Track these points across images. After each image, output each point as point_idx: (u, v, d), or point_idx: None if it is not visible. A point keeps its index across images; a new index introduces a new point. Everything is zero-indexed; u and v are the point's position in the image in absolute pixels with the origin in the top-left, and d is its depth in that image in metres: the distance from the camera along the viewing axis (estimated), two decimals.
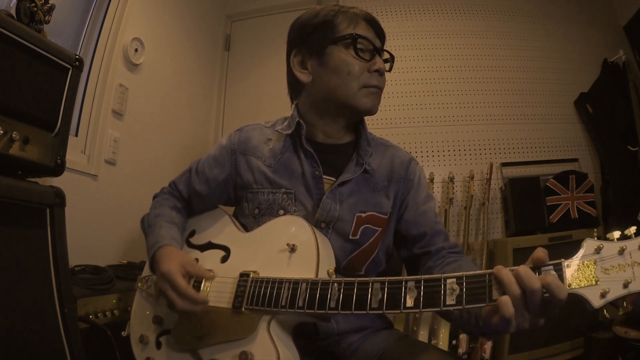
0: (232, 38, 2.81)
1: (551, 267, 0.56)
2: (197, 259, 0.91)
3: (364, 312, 0.64)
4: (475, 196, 2.30)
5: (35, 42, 0.95)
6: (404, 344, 0.87)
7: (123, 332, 0.94)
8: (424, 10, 2.61)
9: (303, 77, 0.92)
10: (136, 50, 1.89)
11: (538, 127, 2.44)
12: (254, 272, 0.79)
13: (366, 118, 0.96)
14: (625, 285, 0.52)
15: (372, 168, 0.93)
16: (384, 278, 0.65)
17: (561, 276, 0.55)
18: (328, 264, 0.78)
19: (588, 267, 0.54)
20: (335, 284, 0.68)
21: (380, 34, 0.93)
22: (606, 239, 0.56)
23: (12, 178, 0.91)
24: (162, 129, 2.13)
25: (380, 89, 0.90)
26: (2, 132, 0.88)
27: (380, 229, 0.91)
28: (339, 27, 0.89)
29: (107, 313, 1.16)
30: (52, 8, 1.16)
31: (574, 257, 0.56)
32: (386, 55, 0.95)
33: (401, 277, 0.64)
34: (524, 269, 0.56)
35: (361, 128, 0.96)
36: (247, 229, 0.93)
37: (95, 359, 1.06)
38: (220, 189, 0.97)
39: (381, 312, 0.63)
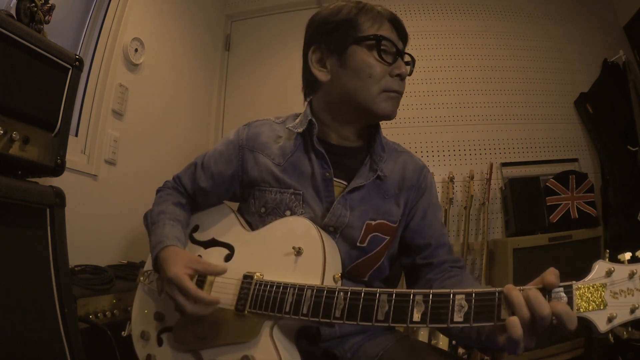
0: (232, 38, 2.80)
1: (562, 289, 0.55)
2: (200, 256, 0.90)
3: (370, 323, 0.63)
4: (475, 196, 2.30)
5: (35, 42, 0.95)
6: (404, 345, 0.87)
7: (123, 332, 0.94)
8: (424, 10, 2.61)
9: (321, 75, 0.89)
10: (136, 50, 1.89)
11: (538, 127, 2.43)
12: (258, 273, 0.78)
13: None
14: (633, 311, 0.51)
15: (385, 174, 0.90)
16: (392, 290, 0.64)
17: (571, 299, 0.54)
18: (334, 269, 0.77)
19: (597, 290, 0.54)
20: (341, 293, 0.67)
21: (403, 36, 0.90)
22: (617, 261, 0.55)
23: (12, 178, 0.91)
24: (162, 129, 2.13)
25: (400, 94, 0.87)
26: (2, 132, 0.88)
27: (388, 238, 0.89)
28: (363, 27, 0.85)
29: (107, 313, 1.16)
30: (52, 8, 1.16)
31: (585, 279, 0.55)
32: (407, 58, 0.91)
33: (409, 290, 0.63)
34: (534, 294, 0.54)
35: (376, 132, 0.93)
36: (252, 226, 0.91)
37: (95, 359, 1.06)
38: (226, 185, 0.95)
39: (387, 324, 0.62)
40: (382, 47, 0.84)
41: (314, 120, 0.89)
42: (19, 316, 0.85)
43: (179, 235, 0.88)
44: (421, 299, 0.61)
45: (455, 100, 2.46)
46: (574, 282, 0.55)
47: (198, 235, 0.96)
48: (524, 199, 2.24)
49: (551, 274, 0.55)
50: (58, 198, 0.99)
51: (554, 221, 2.21)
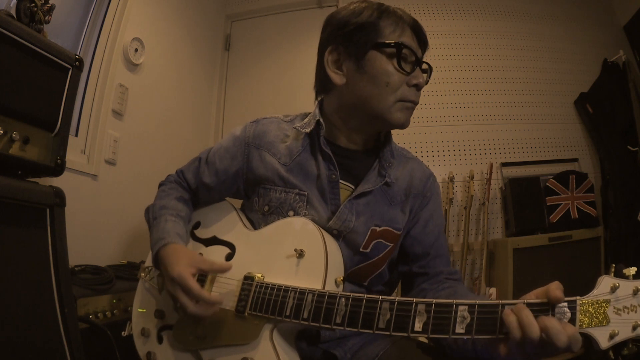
0: (232, 38, 2.80)
1: (566, 304, 0.55)
2: (201, 254, 0.90)
3: (371, 331, 0.63)
4: (475, 196, 2.30)
5: (35, 42, 0.95)
6: (404, 345, 0.86)
7: (123, 332, 0.94)
8: (424, 10, 2.61)
9: (336, 78, 0.86)
10: (136, 50, 1.89)
11: (538, 127, 2.43)
12: (259, 275, 0.78)
13: None
14: (635, 328, 0.51)
15: (393, 181, 0.89)
16: (394, 298, 0.63)
17: (574, 315, 0.54)
18: (336, 272, 0.76)
19: (601, 306, 0.54)
20: (343, 299, 0.66)
21: (423, 44, 0.88)
22: (622, 276, 0.54)
23: (12, 178, 0.91)
24: (162, 129, 2.13)
25: (415, 104, 0.85)
26: (2, 132, 0.88)
27: (391, 245, 0.89)
28: (384, 32, 0.82)
29: (107, 313, 1.16)
30: (52, 8, 1.16)
31: (589, 295, 0.55)
32: (424, 66, 0.89)
33: (412, 299, 0.62)
34: (552, 324, 0.53)
35: (386, 137, 0.92)
36: (254, 225, 0.91)
37: (95, 359, 1.06)
38: (230, 182, 0.94)
39: (388, 333, 0.62)
40: (402, 55, 0.82)
41: (322, 120, 0.88)
42: (19, 316, 0.85)
43: (181, 231, 0.88)
44: (423, 309, 0.60)
45: (455, 100, 2.46)
46: (578, 297, 0.55)
47: (199, 232, 0.95)
48: (524, 199, 2.24)
49: (556, 291, 0.55)
50: (58, 198, 0.99)
51: (554, 221, 2.21)
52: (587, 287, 0.56)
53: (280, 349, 0.72)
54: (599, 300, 0.54)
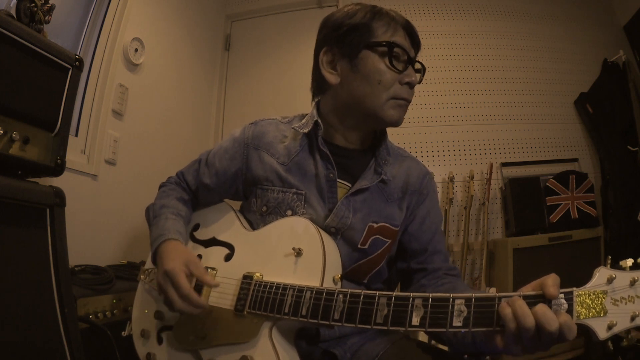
0: (232, 38, 2.81)
1: (562, 295, 0.55)
2: (200, 255, 0.91)
3: (368, 326, 0.63)
4: (475, 196, 2.30)
5: (35, 42, 0.95)
6: (404, 345, 0.86)
7: (123, 332, 0.94)
8: (424, 10, 2.61)
9: (331, 78, 0.88)
10: (136, 50, 1.89)
11: (538, 127, 2.44)
12: (258, 274, 0.78)
13: None
14: (633, 318, 0.51)
15: (389, 178, 0.90)
16: (391, 293, 0.64)
17: (571, 306, 0.54)
18: (334, 270, 0.77)
19: (598, 297, 0.54)
20: (341, 295, 0.67)
21: (416, 44, 0.89)
22: (619, 267, 0.55)
23: (12, 178, 0.91)
24: (162, 129, 2.13)
25: (408, 102, 0.87)
26: (2, 132, 0.88)
27: (389, 241, 0.89)
28: (376, 32, 0.84)
29: (107, 313, 1.16)
30: (52, 8, 1.16)
31: (586, 286, 0.55)
32: (418, 66, 0.91)
33: (408, 294, 0.63)
34: (543, 310, 0.54)
35: (382, 136, 0.94)
36: (252, 225, 0.91)
37: (95, 359, 1.06)
38: (229, 183, 0.95)
39: (385, 328, 0.62)
40: (393, 54, 0.84)
41: (319, 121, 0.89)
42: (19, 316, 0.85)
43: (181, 229, 0.89)
44: (420, 303, 0.61)
45: (455, 100, 2.46)
46: (574, 288, 0.55)
47: (198, 234, 0.96)
48: (524, 199, 2.24)
49: (553, 286, 0.55)
50: (58, 198, 0.99)
51: (554, 221, 2.21)
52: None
53: (279, 346, 0.72)
54: (596, 291, 0.54)
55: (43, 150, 1.00)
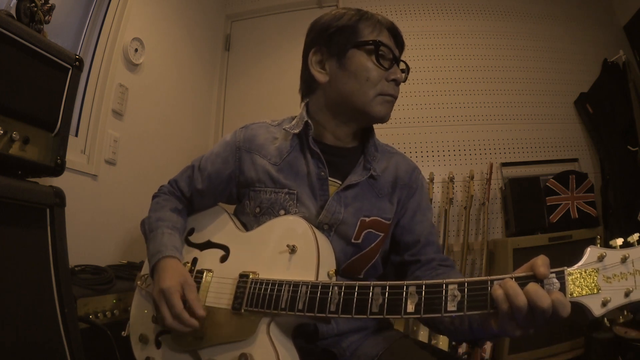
0: (232, 38, 2.81)
1: (554, 275, 0.56)
2: (196, 258, 0.91)
3: (365, 316, 0.64)
4: (475, 196, 2.30)
5: (35, 42, 0.95)
6: (404, 345, 0.87)
7: (123, 332, 0.94)
8: (424, 10, 2.61)
9: (320, 76, 0.92)
10: (136, 50, 1.89)
11: (538, 127, 2.44)
12: (254, 272, 0.79)
13: None
14: (627, 294, 0.52)
15: (378, 174, 0.92)
16: (385, 282, 0.64)
17: (563, 285, 0.55)
18: (328, 265, 0.78)
19: (590, 275, 0.54)
20: (336, 288, 0.68)
21: (400, 45, 0.93)
22: (609, 246, 0.55)
23: (12, 178, 0.91)
24: (162, 129, 2.13)
25: (395, 98, 0.91)
26: (2, 132, 0.88)
27: (382, 235, 0.91)
28: (363, 32, 0.88)
29: (107, 313, 1.16)
30: (52, 8, 1.16)
31: (577, 265, 0.56)
32: (402, 66, 0.95)
33: (402, 282, 0.63)
34: (534, 287, 0.54)
35: (370, 133, 0.96)
36: (247, 227, 0.92)
37: (95, 359, 1.06)
38: (223, 186, 0.96)
39: (382, 317, 0.63)
40: (380, 52, 0.87)
41: (309, 121, 0.91)
42: (19, 316, 0.86)
43: (177, 244, 0.90)
44: (414, 290, 0.62)
45: (455, 100, 2.46)
46: (565, 267, 0.56)
47: (194, 238, 0.97)
48: (524, 199, 2.24)
49: (542, 266, 0.56)
50: (58, 198, 0.99)
51: (554, 221, 2.21)
52: None
53: (278, 342, 0.73)
54: (587, 269, 0.55)
55: (43, 150, 1.00)
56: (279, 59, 2.68)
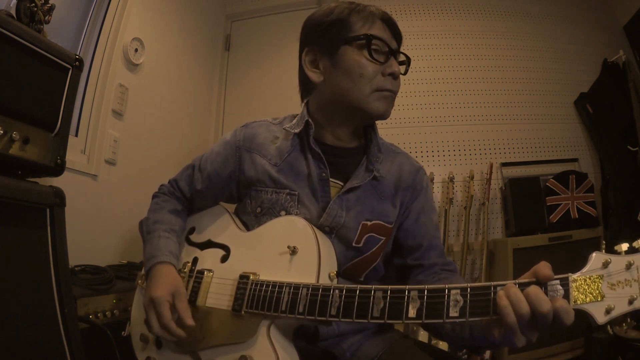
0: (232, 38, 2.81)
1: (558, 282, 0.55)
2: (196, 258, 0.91)
3: (365, 320, 0.63)
4: (475, 196, 2.30)
5: (35, 42, 0.95)
6: (404, 345, 0.87)
7: (123, 332, 0.94)
8: (424, 10, 2.61)
9: (314, 76, 0.89)
10: (136, 50, 1.89)
11: (538, 127, 2.44)
12: (254, 273, 0.78)
13: None
14: (631, 302, 0.51)
15: (381, 175, 0.90)
16: (387, 286, 0.64)
17: (567, 292, 0.54)
18: (329, 267, 0.77)
19: (594, 282, 0.53)
20: (337, 291, 0.67)
21: (397, 35, 0.89)
22: (614, 252, 0.54)
23: (12, 178, 0.91)
24: (162, 129, 2.13)
25: (394, 93, 0.87)
26: (2, 132, 0.88)
27: (384, 239, 0.89)
28: (354, 27, 0.84)
29: (107, 313, 1.16)
30: (52, 8, 1.16)
31: (581, 271, 0.55)
32: (402, 58, 0.91)
33: (404, 287, 0.62)
34: (535, 290, 0.54)
35: (372, 132, 0.93)
36: (247, 227, 0.92)
37: (95, 359, 1.06)
38: (223, 186, 0.95)
39: (382, 321, 0.62)
40: (372, 47, 0.83)
41: (310, 121, 0.89)
42: (19, 316, 0.85)
43: (173, 249, 0.89)
44: (416, 295, 0.61)
45: (456, 100, 2.46)
46: (570, 274, 0.55)
47: (194, 237, 0.96)
48: (524, 199, 2.24)
49: (545, 268, 0.55)
50: (58, 198, 0.99)
51: (554, 221, 2.21)
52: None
53: (278, 344, 0.72)
54: (592, 276, 0.54)
55: (43, 150, 1.00)
56: (279, 59, 2.68)
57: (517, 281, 0.57)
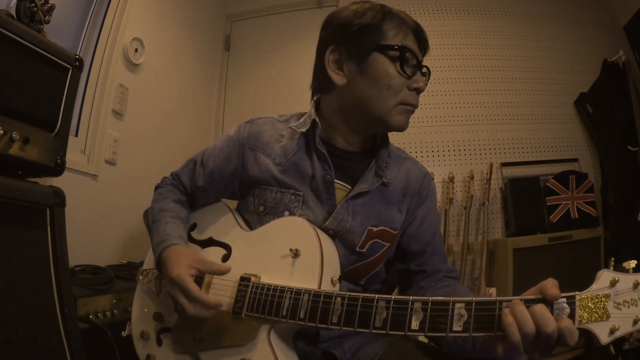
0: (232, 38, 2.80)
1: (564, 300, 0.54)
2: None
3: (367, 330, 0.63)
4: (475, 196, 2.29)
5: (35, 42, 0.95)
6: (404, 345, 0.86)
7: (123, 332, 0.94)
8: (424, 10, 2.61)
9: (337, 78, 0.85)
10: (136, 50, 1.89)
11: (538, 127, 2.43)
12: (255, 275, 0.78)
13: None
14: (635, 322, 0.51)
15: (389, 181, 0.89)
16: (390, 296, 0.63)
17: (573, 310, 0.53)
18: (332, 271, 0.76)
19: (601, 301, 0.53)
20: (339, 298, 0.66)
21: (424, 48, 0.88)
22: (622, 269, 0.53)
23: (12, 178, 0.91)
24: (162, 129, 2.13)
25: (415, 107, 0.85)
26: (2, 132, 0.88)
27: (388, 245, 0.89)
28: (387, 34, 0.82)
29: (107, 313, 1.16)
30: (52, 8, 1.16)
31: (588, 290, 0.54)
32: (424, 70, 0.89)
33: (408, 297, 0.62)
34: (541, 310, 0.53)
35: (383, 138, 0.92)
36: (250, 225, 0.91)
37: (95, 359, 1.06)
38: (225, 182, 0.94)
39: (385, 332, 0.61)
40: (404, 59, 0.81)
41: (317, 120, 0.88)
42: (19, 316, 0.85)
43: (182, 233, 0.88)
44: (420, 307, 0.60)
45: (455, 100, 2.46)
46: (577, 292, 0.54)
47: (196, 234, 0.95)
48: (524, 199, 2.24)
49: (553, 287, 0.54)
50: (58, 198, 0.99)
51: (554, 221, 2.21)
52: (587, 287, 0.55)
53: (278, 349, 0.72)
54: (599, 295, 0.53)
55: (43, 150, 1.00)
56: (279, 59, 2.68)
57: (523, 297, 0.56)
